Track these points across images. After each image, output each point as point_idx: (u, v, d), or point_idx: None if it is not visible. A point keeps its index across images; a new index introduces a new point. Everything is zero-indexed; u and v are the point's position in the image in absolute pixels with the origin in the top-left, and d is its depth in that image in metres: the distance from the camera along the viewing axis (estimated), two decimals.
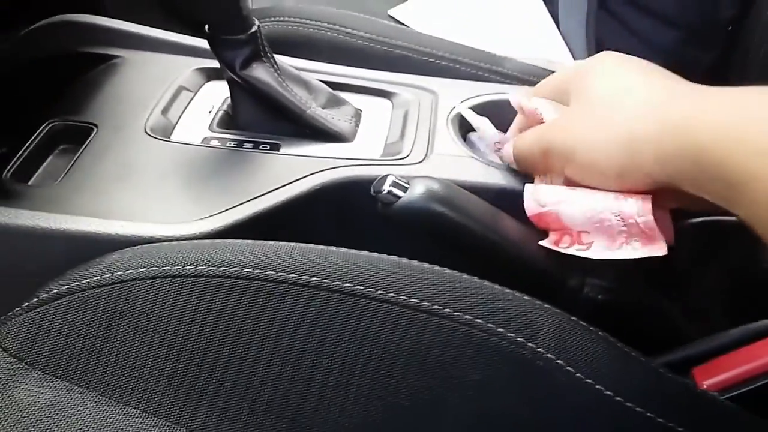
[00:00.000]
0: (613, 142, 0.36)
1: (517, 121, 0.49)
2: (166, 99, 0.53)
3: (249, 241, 0.36)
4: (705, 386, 0.39)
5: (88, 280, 0.33)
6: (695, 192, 0.34)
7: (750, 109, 0.31)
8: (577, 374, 0.34)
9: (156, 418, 0.31)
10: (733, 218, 0.51)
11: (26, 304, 0.33)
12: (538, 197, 0.42)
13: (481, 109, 0.52)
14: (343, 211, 0.48)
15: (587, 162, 0.38)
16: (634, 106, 0.36)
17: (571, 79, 0.42)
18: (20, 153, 0.47)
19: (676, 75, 0.38)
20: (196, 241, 0.38)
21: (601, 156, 0.37)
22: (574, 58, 0.76)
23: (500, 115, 0.51)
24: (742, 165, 0.29)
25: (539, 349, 0.34)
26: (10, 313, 0.33)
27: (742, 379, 0.40)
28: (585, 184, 0.39)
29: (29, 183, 0.47)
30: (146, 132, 0.49)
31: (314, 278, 0.34)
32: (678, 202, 0.40)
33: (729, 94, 0.33)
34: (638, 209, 0.37)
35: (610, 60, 0.41)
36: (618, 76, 0.39)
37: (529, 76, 0.61)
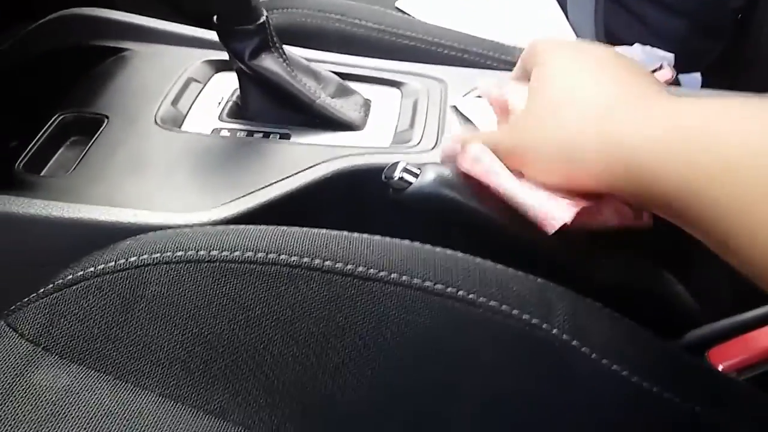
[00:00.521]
0: (555, 154, 0.36)
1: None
2: (175, 90, 0.53)
3: (262, 227, 0.36)
4: (721, 368, 0.39)
5: (102, 266, 0.33)
6: (637, 204, 0.34)
7: (682, 119, 0.30)
8: (593, 355, 0.34)
9: (173, 401, 0.31)
10: None
11: (42, 290, 0.33)
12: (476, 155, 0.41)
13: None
14: (354, 199, 0.48)
15: (533, 168, 0.38)
16: (577, 117, 0.35)
17: (532, 65, 0.41)
18: (32, 145, 0.48)
19: (635, 67, 0.38)
20: (209, 227, 0.38)
21: (545, 165, 0.37)
22: None
23: None
24: (674, 179, 0.29)
25: (554, 331, 0.34)
26: (25, 300, 0.33)
27: (758, 360, 0.40)
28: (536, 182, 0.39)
29: (41, 174, 0.47)
30: (156, 123, 0.49)
31: (327, 262, 0.34)
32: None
33: (671, 103, 0.32)
34: (560, 215, 0.36)
35: (565, 54, 0.39)
36: (569, 77, 0.38)
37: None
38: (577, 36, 0.76)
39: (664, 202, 0.30)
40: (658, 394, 0.34)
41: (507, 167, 0.40)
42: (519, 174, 0.40)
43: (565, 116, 0.36)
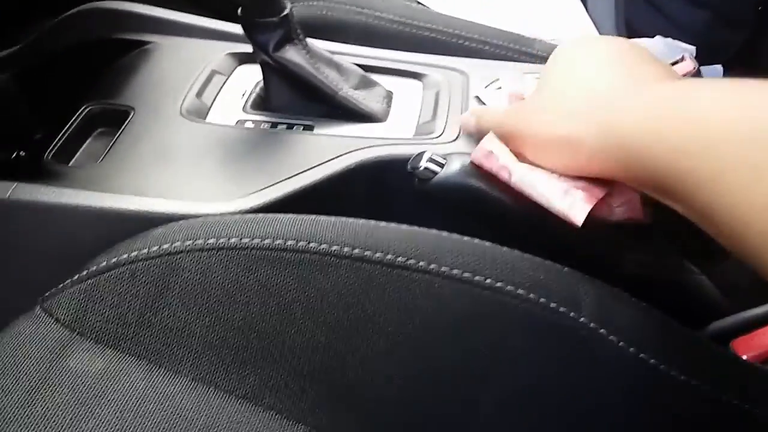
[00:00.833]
0: (555, 141, 0.37)
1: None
2: (200, 83, 0.53)
3: (291, 215, 0.36)
4: (745, 358, 0.39)
5: (136, 253, 0.34)
6: (638, 188, 0.35)
7: (669, 102, 0.31)
8: (620, 343, 0.34)
9: (205, 386, 0.32)
10: None
11: (76, 276, 0.34)
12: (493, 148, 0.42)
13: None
14: (378, 191, 0.48)
15: (533, 153, 0.39)
16: (578, 105, 0.36)
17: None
18: (60, 136, 0.48)
19: (646, 58, 0.38)
20: (238, 215, 0.39)
21: (545, 153, 0.38)
22: None
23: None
24: (663, 161, 0.30)
25: (582, 319, 0.34)
26: (60, 286, 0.34)
27: None
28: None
29: (69, 164, 0.48)
30: (182, 114, 0.50)
31: (356, 250, 0.34)
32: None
33: (665, 88, 0.33)
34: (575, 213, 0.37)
35: (578, 47, 0.41)
36: (577, 68, 0.39)
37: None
38: (598, 29, 0.75)
39: (657, 183, 0.31)
40: (685, 382, 0.34)
41: (513, 152, 0.41)
42: (522, 158, 0.40)
43: (567, 104, 0.37)
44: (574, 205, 0.37)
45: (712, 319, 0.44)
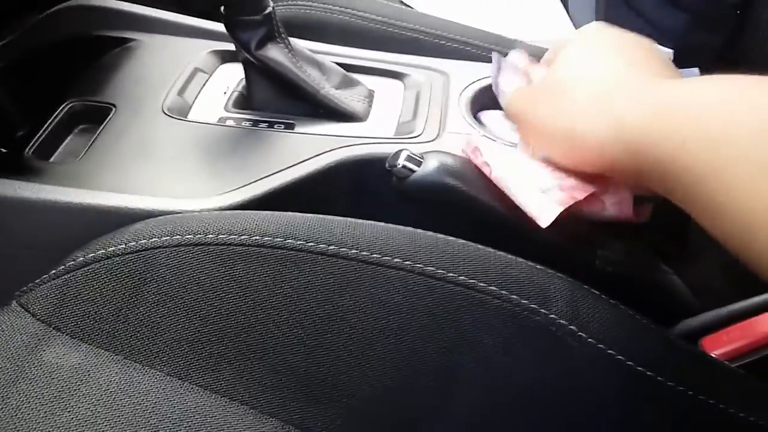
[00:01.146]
0: (559, 131, 0.37)
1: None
2: (182, 80, 0.54)
3: (268, 212, 0.37)
4: (714, 355, 0.40)
5: (113, 248, 0.34)
6: (638, 184, 0.35)
7: (672, 98, 0.31)
8: (590, 339, 0.35)
9: (181, 381, 0.32)
10: None
11: (53, 271, 0.34)
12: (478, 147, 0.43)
13: (491, 89, 0.53)
14: (357, 189, 0.48)
15: (537, 142, 0.40)
16: (582, 97, 0.37)
17: (561, 49, 0.43)
18: (41, 132, 0.48)
19: (653, 53, 0.39)
20: (215, 212, 0.39)
21: (547, 143, 0.39)
22: None
23: None
24: (665, 156, 0.30)
25: (552, 315, 0.35)
26: (37, 281, 0.34)
27: (750, 349, 0.40)
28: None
29: (50, 160, 0.48)
30: (163, 112, 0.50)
31: (332, 247, 0.35)
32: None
33: (668, 84, 0.33)
34: (544, 214, 0.38)
35: (587, 39, 0.41)
36: (582, 57, 0.39)
37: (538, 59, 0.62)
38: (577, 29, 0.76)
39: (659, 178, 0.31)
40: (652, 378, 0.34)
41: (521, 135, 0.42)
42: (527, 143, 0.41)
43: (572, 96, 0.37)
44: (546, 206, 0.38)
45: (683, 317, 0.45)
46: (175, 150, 0.48)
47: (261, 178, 0.45)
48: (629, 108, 0.33)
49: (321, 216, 0.37)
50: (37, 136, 0.48)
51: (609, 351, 0.35)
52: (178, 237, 0.34)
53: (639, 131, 0.32)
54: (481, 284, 0.35)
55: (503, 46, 0.62)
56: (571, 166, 0.38)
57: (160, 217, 0.37)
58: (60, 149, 0.49)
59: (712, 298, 0.48)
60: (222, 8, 0.48)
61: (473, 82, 0.54)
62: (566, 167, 0.39)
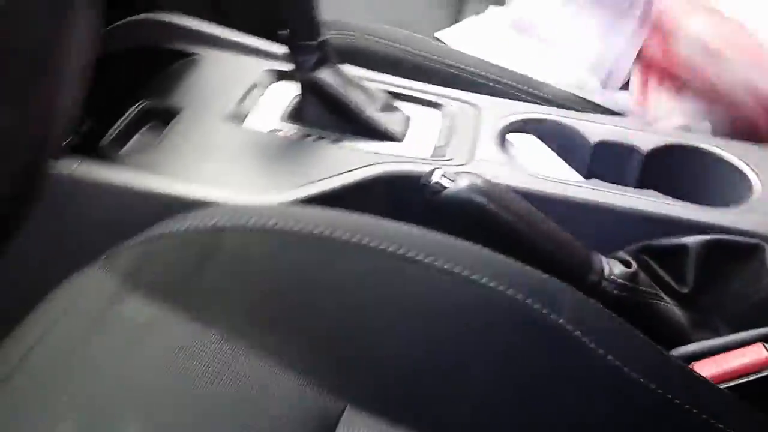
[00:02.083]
0: None
1: None
2: (240, 92, 0.60)
3: (319, 208, 0.42)
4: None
5: (187, 225, 0.39)
6: None
7: None
8: (591, 345, 0.39)
9: (234, 341, 0.37)
10: (740, 238, 0.56)
11: (132, 241, 0.40)
12: None
13: (521, 125, 0.58)
14: (391, 203, 0.54)
15: None
16: None
17: None
18: (116, 126, 0.54)
19: None
20: (276, 204, 0.44)
21: None
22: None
23: (538, 130, 0.57)
24: None
25: (560, 321, 0.39)
26: (121, 245, 0.39)
27: (736, 373, 0.45)
28: None
29: (121, 152, 0.54)
30: (224, 118, 0.56)
31: (374, 242, 0.40)
32: None
33: None
34: None
35: None
36: None
37: (563, 101, 0.68)
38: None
39: None
40: (645, 386, 0.39)
41: None
42: None
43: None
44: None
45: (678, 345, 0.50)
46: (231, 152, 0.53)
47: (306, 184, 0.51)
48: None
49: (365, 215, 0.42)
50: (112, 129, 0.54)
51: (608, 357, 0.39)
52: (244, 221, 0.39)
53: None
54: (500, 287, 0.40)
55: (532, 87, 0.68)
56: None
57: (228, 204, 0.42)
58: (131, 142, 0.55)
59: (708, 333, 0.52)
60: (286, 32, 0.54)
61: (503, 117, 0.60)
62: None
